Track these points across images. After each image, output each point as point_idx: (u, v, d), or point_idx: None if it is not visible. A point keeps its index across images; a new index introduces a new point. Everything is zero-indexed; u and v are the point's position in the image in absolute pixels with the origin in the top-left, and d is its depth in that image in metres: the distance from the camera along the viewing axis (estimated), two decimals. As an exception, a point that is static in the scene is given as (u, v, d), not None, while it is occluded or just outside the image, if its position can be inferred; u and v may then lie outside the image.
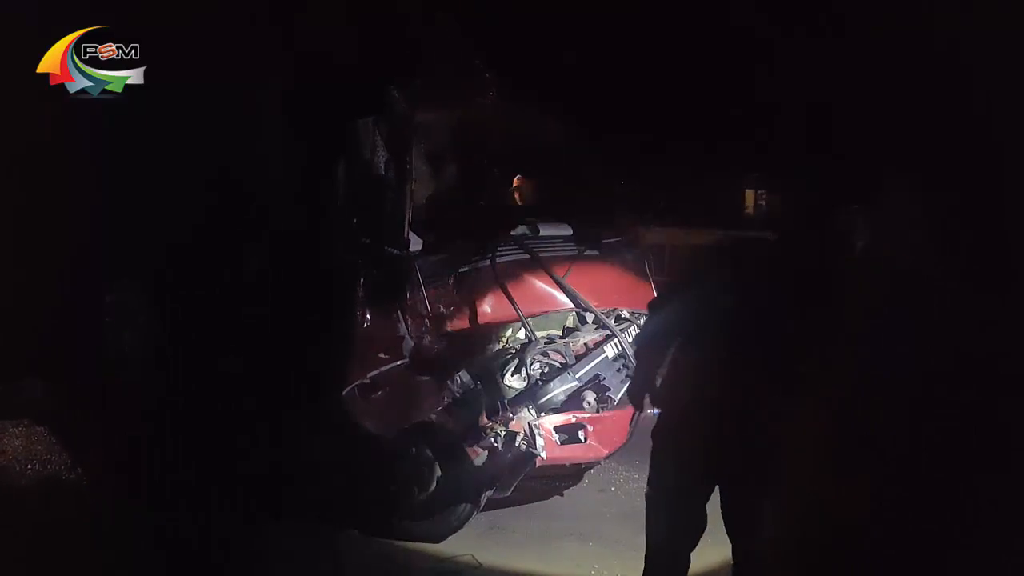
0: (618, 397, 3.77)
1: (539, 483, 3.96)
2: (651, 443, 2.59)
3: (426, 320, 3.70)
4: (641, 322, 4.08)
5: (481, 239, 3.86)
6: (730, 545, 2.51)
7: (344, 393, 3.44)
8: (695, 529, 2.50)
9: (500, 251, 3.84)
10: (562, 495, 4.05)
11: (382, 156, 3.55)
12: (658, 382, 2.56)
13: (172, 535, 3.05)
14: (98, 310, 3.07)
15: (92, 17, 2.49)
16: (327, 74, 2.83)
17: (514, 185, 4.48)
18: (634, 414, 3.86)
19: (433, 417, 3.48)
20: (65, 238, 2.63)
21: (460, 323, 3.78)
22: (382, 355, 3.52)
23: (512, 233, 3.93)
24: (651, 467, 2.57)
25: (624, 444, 3.87)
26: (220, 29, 2.16)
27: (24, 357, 3.43)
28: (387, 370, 3.51)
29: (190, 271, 2.90)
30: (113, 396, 3.35)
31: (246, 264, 3.07)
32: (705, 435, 2.34)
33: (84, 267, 2.79)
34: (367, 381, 3.42)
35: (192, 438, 3.26)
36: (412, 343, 3.64)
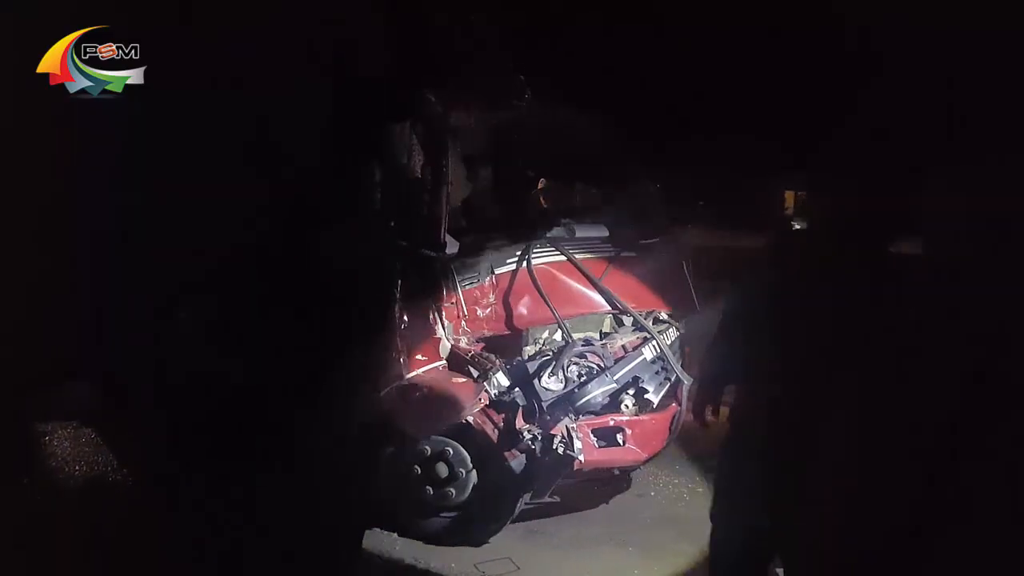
0: (657, 400, 3.72)
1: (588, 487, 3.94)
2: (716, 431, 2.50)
3: (463, 322, 3.71)
4: (681, 323, 4.04)
5: (517, 241, 3.86)
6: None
7: (381, 395, 3.45)
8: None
9: (536, 253, 3.83)
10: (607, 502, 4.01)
11: (418, 159, 3.56)
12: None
13: (215, 536, 3.08)
14: (142, 312, 3.11)
15: (92, 17, 2.49)
16: (364, 77, 2.84)
17: (538, 188, 4.46)
18: (673, 417, 3.81)
19: (470, 419, 3.47)
20: (110, 236, 2.66)
21: (496, 325, 3.78)
22: (419, 357, 3.53)
23: (548, 235, 3.91)
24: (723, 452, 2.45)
25: (663, 448, 3.82)
26: (237, 30, 2.17)
27: (71, 360, 3.49)
28: (424, 372, 3.51)
29: (227, 274, 2.92)
30: (158, 398, 3.40)
31: (283, 266, 3.09)
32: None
33: (127, 268, 2.82)
34: (404, 383, 3.42)
35: (234, 438, 3.29)
36: (449, 345, 3.64)
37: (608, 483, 4.03)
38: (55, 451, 3.95)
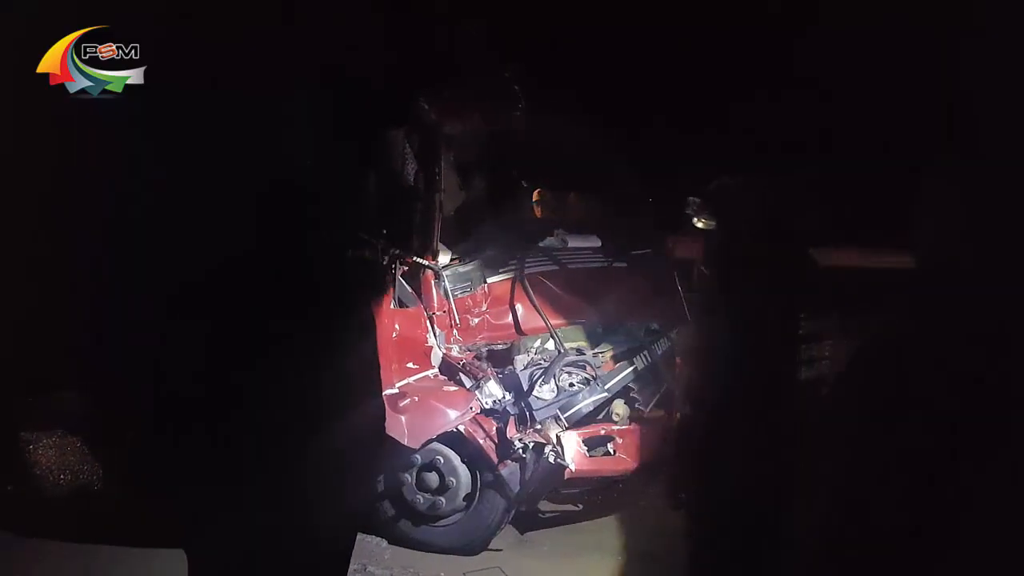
0: (648, 409, 3.73)
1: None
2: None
3: (455, 331, 3.71)
4: (672, 334, 4.05)
5: (509, 250, 3.87)
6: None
7: (373, 403, 3.44)
8: None
9: (529, 262, 3.84)
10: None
11: (412, 167, 3.58)
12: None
13: (203, 544, 3.04)
14: (130, 321, 3.09)
15: (92, 17, 2.50)
16: (360, 82, 2.86)
17: (534, 199, 4.48)
18: (665, 426, 3.81)
19: (461, 428, 3.47)
20: (100, 246, 2.66)
21: (488, 333, 3.78)
22: (410, 365, 3.52)
23: (540, 244, 3.93)
24: None
25: (654, 457, 3.82)
26: (237, 31, 2.17)
27: (57, 369, 3.46)
28: (415, 380, 3.50)
29: (218, 281, 2.89)
30: (146, 407, 3.37)
31: (273, 273, 3.07)
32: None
33: (116, 277, 2.80)
34: (395, 391, 3.41)
35: (224, 448, 3.25)
36: (441, 353, 3.64)
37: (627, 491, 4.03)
38: (40, 459, 3.91)
